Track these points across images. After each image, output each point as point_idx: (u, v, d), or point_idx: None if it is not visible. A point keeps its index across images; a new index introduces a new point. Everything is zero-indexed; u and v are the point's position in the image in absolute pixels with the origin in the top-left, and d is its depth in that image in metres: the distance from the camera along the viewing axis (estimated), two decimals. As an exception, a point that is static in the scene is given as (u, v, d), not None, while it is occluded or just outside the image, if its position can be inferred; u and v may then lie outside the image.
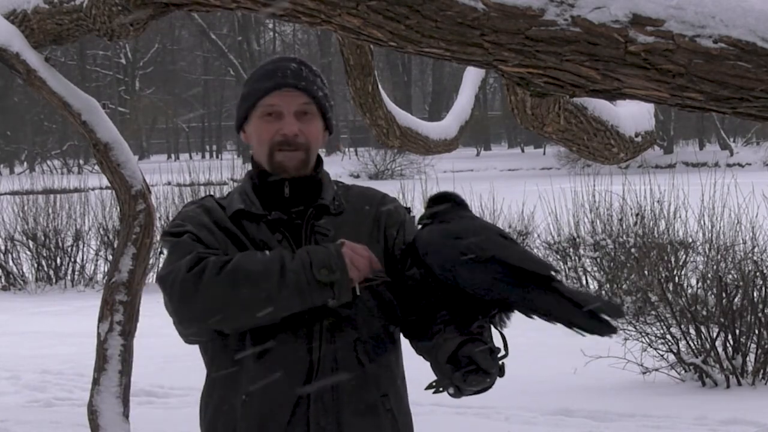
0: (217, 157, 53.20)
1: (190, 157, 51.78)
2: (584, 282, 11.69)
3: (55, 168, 38.86)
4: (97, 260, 14.45)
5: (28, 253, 14.49)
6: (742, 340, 7.95)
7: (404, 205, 2.83)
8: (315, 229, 2.63)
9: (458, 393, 2.45)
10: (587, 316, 2.44)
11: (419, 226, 2.69)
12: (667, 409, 7.26)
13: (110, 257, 13.26)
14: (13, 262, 14.46)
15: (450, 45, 2.72)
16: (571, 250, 11.84)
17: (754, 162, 39.89)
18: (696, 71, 2.46)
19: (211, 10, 3.52)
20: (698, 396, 7.70)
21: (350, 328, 2.58)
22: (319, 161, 2.73)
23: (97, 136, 5.16)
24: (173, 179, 17.23)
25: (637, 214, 11.25)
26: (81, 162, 46.25)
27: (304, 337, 2.55)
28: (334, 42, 35.56)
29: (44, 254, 14.40)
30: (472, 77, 7.49)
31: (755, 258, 8.42)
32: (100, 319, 5.11)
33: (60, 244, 14.43)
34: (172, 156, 57.83)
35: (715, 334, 7.96)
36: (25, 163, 51.39)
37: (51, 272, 14.39)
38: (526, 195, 13.20)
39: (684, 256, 10.05)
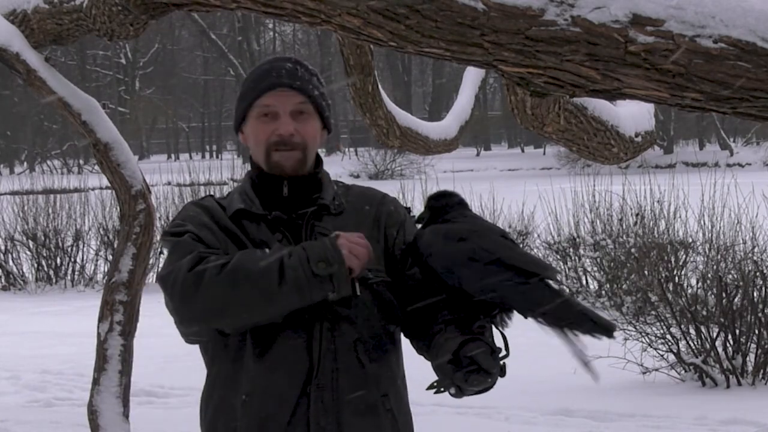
0: (217, 157, 53.21)
1: (190, 157, 51.80)
2: (584, 282, 11.69)
3: (55, 168, 38.88)
4: (97, 260, 14.45)
5: (28, 253, 14.49)
6: (742, 340, 7.96)
7: (404, 205, 2.83)
8: (315, 229, 2.63)
9: (459, 393, 2.45)
10: (587, 318, 2.45)
11: (418, 225, 2.70)
12: (667, 409, 7.26)
13: (110, 257, 13.26)
14: (13, 262, 14.46)
15: (450, 45, 2.72)
16: (571, 250, 11.85)
17: (754, 162, 39.90)
18: (696, 71, 2.46)
19: (211, 10, 3.52)
20: (698, 396, 7.71)
21: (350, 328, 2.58)
22: (319, 161, 2.74)
23: (97, 136, 5.16)
24: (173, 179, 17.24)
25: (637, 214, 11.25)
26: (81, 162, 46.23)
27: (305, 337, 2.56)
28: (334, 42, 35.56)
29: (44, 254, 14.41)
30: (472, 77, 7.49)
31: (755, 258, 8.43)
32: (100, 319, 5.11)
33: (60, 244, 14.43)
34: (172, 156, 57.84)
35: (715, 334, 7.96)
36: (25, 163, 51.40)
37: (51, 272, 14.40)
38: (526, 195, 13.20)
39: (684, 256, 10.05)
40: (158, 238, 6.88)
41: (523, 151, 55.55)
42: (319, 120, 2.70)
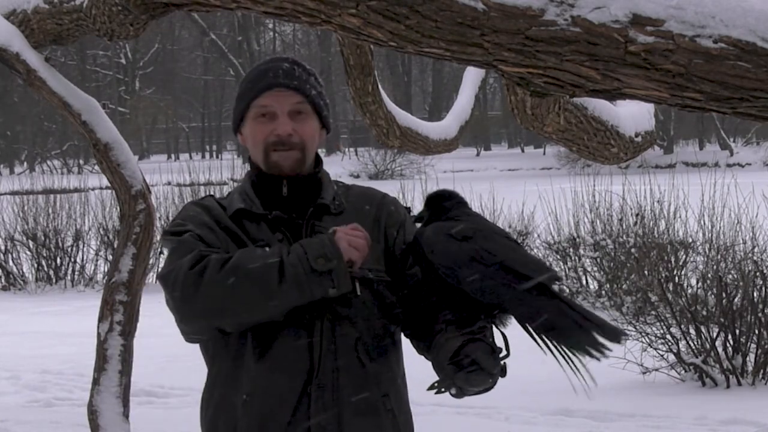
0: (217, 157, 53.20)
1: (190, 157, 51.81)
2: (584, 282, 11.69)
3: (55, 168, 38.87)
4: (97, 260, 14.45)
5: (28, 253, 14.49)
6: (742, 340, 7.96)
7: (404, 205, 2.83)
8: (315, 229, 2.63)
9: (460, 393, 2.45)
10: (588, 332, 2.44)
11: (418, 225, 2.69)
12: (667, 409, 7.26)
13: (110, 257, 13.26)
14: (13, 262, 14.46)
15: (450, 45, 2.72)
16: (571, 250, 11.84)
17: (754, 162, 39.89)
18: (696, 71, 2.46)
19: (211, 10, 3.52)
20: (698, 396, 7.71)
21: (351, 328, 2.58)
22: (319, 161, 2.74)
23: (97, 136, 5.16)
24: (173, 179, 17.24)
25: (637, 214, 11.25)
26: (81, 162, 46.25)
27: (305, 336, 2.56)
28: (334, 42, 35.56)
29: (44, 254, 14.41)
30: (472, 77, 7.49)
31: (755, 258, 8.43)
32: (100, 319, 5.11)
33: (60, 244, 14.43)
34: (172, 156, 57.84)
35: (715, 334, 7.96)
36: (25, 163, 51.40)
37: (51, 272, 14.40)
38: (526, 195, 13.20)
39: (684, 256, 10.05)
40: (158, 238, 6.88)
41: (523, 151, 55.55)
42: (317, 120, 2.70)
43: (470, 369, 2.40)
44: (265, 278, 2.47)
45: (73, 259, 14.46)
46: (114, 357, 5.03)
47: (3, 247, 14.44)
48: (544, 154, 48.02)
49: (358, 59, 6.16)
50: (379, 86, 6.34)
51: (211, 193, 3.90)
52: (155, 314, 7.47)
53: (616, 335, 2.46)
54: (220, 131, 62.23)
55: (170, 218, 12.23)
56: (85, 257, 14.51)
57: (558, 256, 11.97)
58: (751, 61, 2.42)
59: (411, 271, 2.65)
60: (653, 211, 11.18)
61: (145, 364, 7.61)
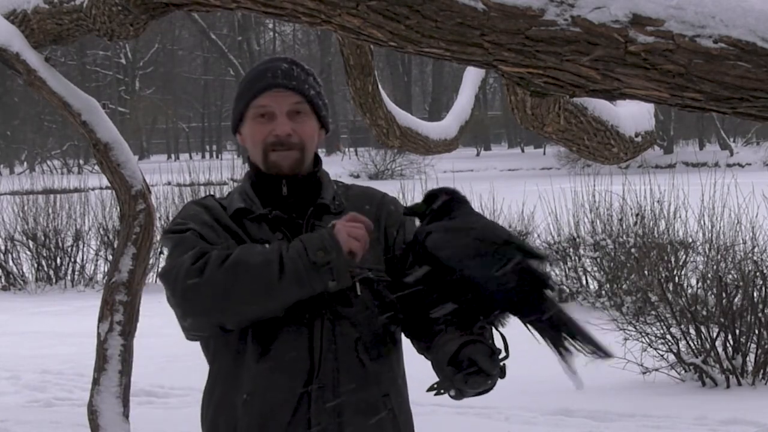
0: (217, 157, 53.20)
1: (190, 157, 51.80)
2: (584, 282, 11.69)
3: (55, 168, 38.89)
4: (97, 260, 14.45)
5: (28, 253, 14.49)
6: (742, 340, 7.96)
7: (404, 205, 2.83)
8: (315, 229, 2.63)
9: (459, 395, 2.45)
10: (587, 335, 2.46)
11: (411, 218, 2.69)
12: (667, 409, 7.26)
13: (110, 257, 13.26)
14: (13, 262, 14.46)
15: (450, 45, 2.72)
16: (571, 250, 11.84)
17: (754, 162, 39.88)
18: (696, 71, 2.46)
19: (211, 10, 3.52)
20: (698, 396, 7.71)
21: (351, 328, 2.58)
22: (318, 161, 2.74)
23: (97, 136, 5.16)
24: (173, 179, 17.25)
25: (637, 214, 11.25)
26: (81, 162, 46.25)
27: (306, 336, 2.56)
28: (334, 42, 35.56)
29: (44, 254, 14.40)
30: (472, 77, 7.49)
31: (755, 258, 8.43)
32: (100, 319, 5.11)
33: (60, 244, 14.43)
34: (172, 156, 57.84)
35: (715, 334, 7.96)
36: (25, 163, 51.40)
37: (51, 272, 14.39)
38: (526, 195, 13.20)
39: (684, 256, 10.05)
40: (158, 238, 6.88)
41: (523, 151, 55.54)
42: (316, 119, 2.71)
43: (469, 371, 2.41)
44: (265, 273, 2.47)
45: (73, 259, 14.46)
46: (114, 357, 5.03)
47: (3, 247, 14.44)
48: (544, 154, 48.01)
49: (358, 59, 6.16)
50: (379, 86, 6.34)
51: (211, 193, 3.91)
52: (155, 314, 7.48)
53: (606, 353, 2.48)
54: (220, 131, 62.23)
55: (170, 218, 12.23)
56: (85, 257, 14.51)
57: (558, 256, 11.96)
58: (751, 61, 2.42)
59: (411, 271, 2.65)
60: (653, 211, 11.18)
61: (145, 364, 7.61)
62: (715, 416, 6.99)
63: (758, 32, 2.43)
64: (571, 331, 2.46)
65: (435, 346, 2.52)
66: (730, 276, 8.25)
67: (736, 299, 8.02)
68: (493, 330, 2.55)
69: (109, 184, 5.39)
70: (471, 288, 2.49)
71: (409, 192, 13.91)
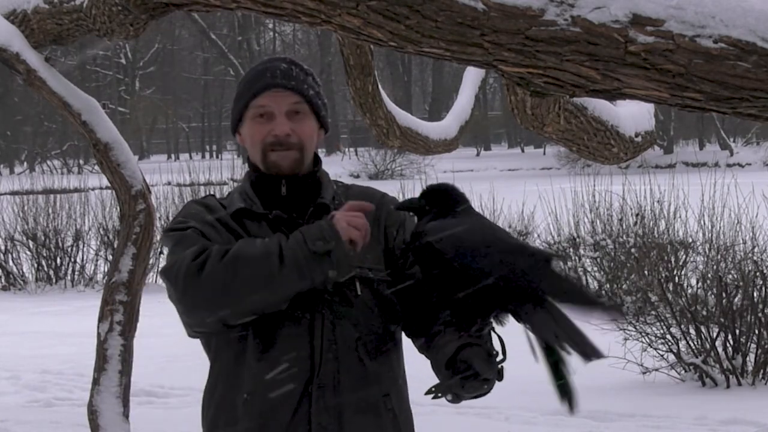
0: (217, 157, 53.19)
1: (190, 157, 51.79)
2: (584, 282, 11.69)
3: (55, 168, 38.88)
4: (97, 260, 14.45)
5: (28, 253, 14.49)
6: (742, 340, 7.96)
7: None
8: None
9: (456, 399, 2.46)
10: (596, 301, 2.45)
11: (403, 212, 2.69)
12: (667, 409, 7.26)
13: (110, 257, 13.26)
14: (13, 262, 14.46)
15: (450, 45, 2.72)
16: (571, 250, 11.84)
17: (754, 162, 39.87)
18: (696, 71, 2.46)
19: (211, 10, 3.52)
20: (698, 396, 7.71)
21: (351, 328, 2.58)
22: (318, 160, 2.74)
23: (97, 136, 5.16)
24: (173, 179, 17.25)
25: (637, 214, 11.25)
26: (81, 162, 46.24)
27: (306, 336, 2.56)
28: (334, 42, 35.56)
29: (44, 254, 14.40)
30: (472, 77, 7.49)
31: (755, 258, 8.43)
32: (100, 319, 5.11)
33: (60, 244, 14.43)
34: (172, 156, 57.84)
35: (715, 334, 7.96)
36: (25, 163, 51.39)
37: (51, 272, 14.39)
38: (526, 195, 13.20)
39: (684, 256, 10.05)
40: (158, 238, 6.88)
41: (523, 151, 55.54)
42: (315, 119, 2.71)
43: (466, 374, 2.41)
44: (265, 264, 2.47)
45: (73, 259, 14.46)
46: (114, 357, 5.03)
47: (3, 247, 14.45)
48: (544, 154, 48.01)
49: (358, 59, 6.16)
50: (379, 86, 6.34)
51: (211, 192, 3.91)
52: (155, 314, 7.48)
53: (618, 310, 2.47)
54: (220, 131, 62.21)
55: (170, 218, 12.23)
56: (85, 257, 14.51)
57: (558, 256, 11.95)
58: (751, 61, 2.42)
59: (410, 271, 2.65)
60: (653, 211, 11.18)
61: (145, 364, 7.61)
62: (715, 416, 6.99)
63: (758, 32, 2.43)
64: (564, 329, 2.44)
65: (434, 346, 2.52)
66: (730, 276, 8.25)
67: (736, 299, 8.02)
68: (493, 331, 2.55)
69: (109, 184, 5.40)
70: (466, 285, 2.48)
71: (409, 192, 13.90)
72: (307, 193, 2.68)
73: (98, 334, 5.10)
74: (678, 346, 8.02)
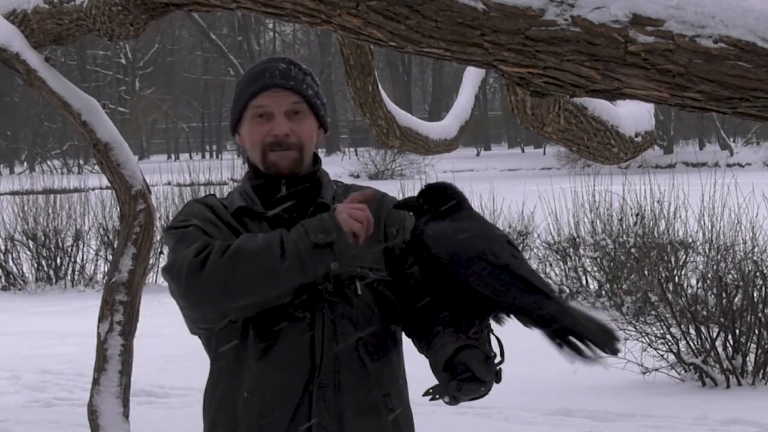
0: (217, 157, 53.19)
1: (190, 157, 51.81)
2: (584, 282, 11.69)
3: (55, 168, 38.88)
4: (97, 260, 14.45)
5: (28, 253, 14.49)
6: (742, 340, 7.96)
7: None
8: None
9: (454, 401, 2.46)
10: (595, 327, 2.43)
11: (402, 211, 2.68)
12: (667, 409, 7.26)
13: (110, 257, 13.26)
14: (13, 262, 14.46)
15: (450, 45, 2.72)
16: (571, 250, 11.84)
17: (754, 162, 39.88)
18: (696, 71, 2.46)
19: (211, 10, 3.52)
20: (698, 396, 7.71)
21: (352, 328, 2.58)
22: (317, 160, 2.74)
23: (97, 136, 5.16)
24: (173, 179, 17.25)
25: (637, 214, 11.25)
26: (81, 162, 46.24)
27: (307, 336, 2.56)
28: (334, 42, 35.55)
29: (44, 254, 14.40)
30: (472, 77, 7.49)
31: (755, 258, 8.43)
32: (100, 319, 5.11)
33: (60, 244, 14.43)
34: (172, 156, 57.85)
35: (715, 334, 7.96)
36: (25, 163, 51.39)
37: (51, 272, 14.40)
38: (526, 195, 13.20)
39: (684, 256, 10.05)
40: (158, 238, 6.88)
41: (523, 151, 55.54)
42: (314, 119, 2.71)
43: (463, 377, 2.40)
44: (267, 258, 2.47)
45: (73, 259, 14.46)
46: (114, 357, 5.03)
47: (3, 247, 14.45)
48: (544, 154, 48.01)
49: (358, 59, 6.16)
50: (379, 86, 6.34)
51: (212, 192, 3.91)
52: (155, 314, 7.48)
53: (614, 338, 2.45)
54: (220, 131, 62.21)
55: (170, 218, 12.23)
56: (85, 257, 14.51)
57: (558, 256, 11.97)
58: (751, 61, 2.42)
59: (410, 271, 2.65)
60: (653, 211, 11.18)
61: (145, 364, 7.61)
62: (715, 416, 6.99)
63: (758, 32, 2.43)
64: (573, 333, 2.44)
65: (433, 347, 2.52)
66: (730, 276, 8.25)
67: (736, 299, 8.02)
68: (492, 332, 2.54)
69: (109, 184, 5.40)
70: (463, 289, 2.48)
71: (409, 192, 13.86)
72: (307, 193, 2.68)
73: (98, 334, 5.10)
74: (678, 346, 8.02)
